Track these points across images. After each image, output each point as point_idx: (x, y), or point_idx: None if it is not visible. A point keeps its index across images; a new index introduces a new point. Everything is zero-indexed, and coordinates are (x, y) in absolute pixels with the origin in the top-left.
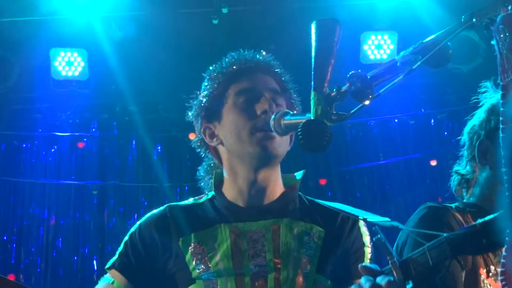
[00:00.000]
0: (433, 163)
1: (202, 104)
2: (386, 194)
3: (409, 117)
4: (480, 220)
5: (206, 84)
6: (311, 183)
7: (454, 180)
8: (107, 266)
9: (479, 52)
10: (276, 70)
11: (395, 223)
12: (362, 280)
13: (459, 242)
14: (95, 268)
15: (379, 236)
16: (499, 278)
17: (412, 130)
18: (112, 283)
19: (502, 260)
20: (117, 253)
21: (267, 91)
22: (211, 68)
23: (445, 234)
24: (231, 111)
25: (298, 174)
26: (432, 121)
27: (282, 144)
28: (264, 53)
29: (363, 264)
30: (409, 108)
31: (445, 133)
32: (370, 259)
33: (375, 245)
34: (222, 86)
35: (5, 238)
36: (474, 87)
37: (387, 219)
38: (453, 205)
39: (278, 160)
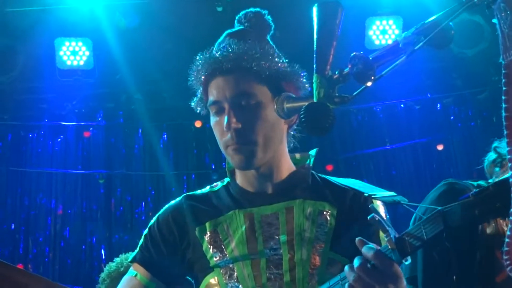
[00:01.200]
0: (440, 147)
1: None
2: (393, 179)
3: (415, 102)
4: (474, 191)
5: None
6: (317, 169)
7: (490, 156)
8: (129, 260)
9: (484, 35)
10: (255, 65)
11: (399, 198)
12: (355, 260)
13: (453, 215)
14: (103, 257)
15: (373, 214)
16: (504, 257)
17: (418, 115)
18: (136, 276)
19: (507, 240)
20: (138, 246)
21: (229, 100)
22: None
23: (439, 208)
24: (211, 118)
25: (312, 152)
26: (438, 105)
27: (256, 151)
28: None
29: (359, 238)
30: (414, 93)
31: (451, 117)
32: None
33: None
34: (202, 89)
35: (13, 228)
36: (480, 71)
37: (393, 193)
38: (475, 183)
39: (261, 163)
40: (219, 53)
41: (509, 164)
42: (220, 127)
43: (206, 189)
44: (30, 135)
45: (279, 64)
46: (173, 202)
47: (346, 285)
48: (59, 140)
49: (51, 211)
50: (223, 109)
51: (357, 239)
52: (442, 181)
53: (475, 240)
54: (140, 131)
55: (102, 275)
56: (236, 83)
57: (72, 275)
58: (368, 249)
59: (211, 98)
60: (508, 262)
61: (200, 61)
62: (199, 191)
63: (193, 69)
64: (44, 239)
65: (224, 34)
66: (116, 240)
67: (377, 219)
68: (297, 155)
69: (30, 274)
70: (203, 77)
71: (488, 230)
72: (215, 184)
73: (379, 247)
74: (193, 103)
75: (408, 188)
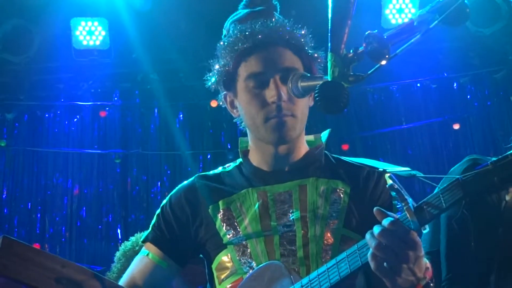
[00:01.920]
0: (456, 126)
1: (218, 74)
2: (409, 158)
3: (431, 81)
4: (493, 158)
5: (220, 54)
6: (333, 149)
7: None
8: (142, 240)
9: (502, 14)
10: (288, 38)
11: (414, 172)
12: (375, 227)
13: (471, 183)
14: (119, 236)
15: (392, 183)
16: None
17: (435, 94)
18: (148, 255)
19: None
20: (151, 225)
21: (277, 73)
22: (229, 23)
23: (458, 177)
24: (244, 92)
25: (324, 135)
26: (455, 84)
27: (296, 125)
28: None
29: (377, 207)
30: (431, 72)
31: (468, 96)
32: (399, 211)
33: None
34: (234, 63)
35: (29, 208)
36: (497, 50)
37: (407, 168)
38: None
39: (294, 138)
40: (257, 26)
41: None
42: (260, 99)
43: (219, 169)
44: (47, 115)
45: (306, 38)
46: (185, 182)
47: (370, 251)
48: (75, 120)
49: (68, 191)
50: (267, 81)
51: (375, 209)
52: (466, 157)
53: (497, 214)
54: (156, 110)
55: (118, 254)
56: (283, 57)
57: (89, 254)
58: (387, 218)
59: (252, 70)
60: None
61: (236, 35)
62: (211, 172)
63: (225, 42)
64: (60, 219)
65: (233, 17)
66: (132, 219)
67: (395, 187)
68: (310, 137)
69: (47, 254)
70: (240, 50)
71: (508, 197)
72: (227, 165)
73: (397, 216)
74: (209, 82)
75: (424, 167)
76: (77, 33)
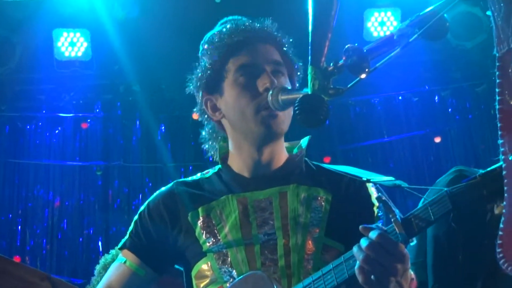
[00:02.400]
0: (437, 140)
1: (201, 76)
2: (390, 171)
3: (413, 94)
4: (480, 171)
5: (204, 54)
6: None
7: None
8: (119, 247)
9: (483, 28)
10: (276, 38)
11: (399, 182)
12: (362, 240)
13: (460, 196)
14: (100, 249)
15: (380, 194)
16: (497, 250)
17: (416, 107)
18: (125, 262)
19: (500, 233)
20: (128, 232)
21: (268, 65)
22: (208, 36)
23: (446, 189)
24: (233, 87)
25: (304, 141)
26: (436, 97)
27: (285, 120)
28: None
29: (363, 225)
30: (413, 85)
31: (449, 109)
32: (380, 219)
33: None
34: (221, 59)
35: (10, 220)
36: (478, 63)
37: (391, 178)
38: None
39: (282, 136)
40: (245, 24)
41: (501, 157)
42: (252, 90)
43: (197, 176)
44: (28, 127)
45: (291, 45)
46: (163, 188)
47: (357, 264)
48: (56, 131)
49: (49, 203)
50: (259, 72)
51: (360, 226)
52: (452, 168)
53: (484, 227)
54: (138, 122)
55: (98, 267)
56: (274, 51)
57: (69, 267)
58: (374, 231)
59: (243, 62)
60: (501, 255)
61: (224, 32)
62: (190, 178)
63: (213, 40)
64: (41, 231)
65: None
66: (113, 232)
67: (383, 198)
68: (288, 144)
69: (28, 268)
70: (229, 45)
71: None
72: (205, 171)
73: (385, 228)
74: (190, 87)
75: (405, 180)
76: (59, 44)
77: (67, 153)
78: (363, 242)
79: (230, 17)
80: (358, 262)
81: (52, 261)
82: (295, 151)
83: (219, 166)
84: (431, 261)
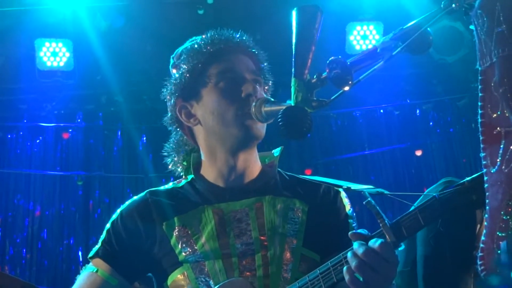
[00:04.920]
0: (418, 153)
1: (179, 82)
2: (372, 184)
3: (394, 108)
4: (468, 178)
5: (182, 61)
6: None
7: None
8: (90, 256)
9: (464, 42)
10: (253, 50)
11: (381, 190)
12: (355, 246)
13: (449, 201)
14: (80, 259)
15: (369, 199)
16: (478, 262)
17: (398, 120)
18: (96, 271)
19: (481, 245)
20: (100, 241)
21: (248, 73)
22: (188, 44)
23: (435, 194)
24: (213, 92)
25: (276, 151)
26: (418, 111)
27: (264, 127)
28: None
29: (353, 231)
30: (394, 98)
31: (430, 123)
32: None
33: (361, 207)
34: (202, 65)
35: None
36: (459, 77)
37: (371, 186)
38: None
39: (258, 142)
40: (233, 35)
41: (483, 170)
42: (233, 94)
43: (169, 185)
44: (9, 136)
45: (265, 61)
46: (136, 197)
47: (344, 268)
48: (38, 141)
49: (29, 212)
50: (241, 79)
51: (350, 233)
52: (442, 179)
53: (472, 237)
54: (119, 133)
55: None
56: (254, 62)
57: (49, 276)
58: (374, 239)
59: (227, 67)
60: (482, 268)
61: (209, 37)
62: (162, 188)
63: (195, 46)
64: (21, 240)
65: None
66: (93, 242)
67: (373, 204)
68: (260, 154)
69: (6, 276)
70: (211, 52)
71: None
72: (177, 181)
73: (370, 234)
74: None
75: None
76: (41, 54)
77: (48, 162)
78: (360, 249)
79: (199, 37)
80: (345, 267)
81: (32, 271)
82: (266, 161)
83: (192, 176)
84: (421, 266)
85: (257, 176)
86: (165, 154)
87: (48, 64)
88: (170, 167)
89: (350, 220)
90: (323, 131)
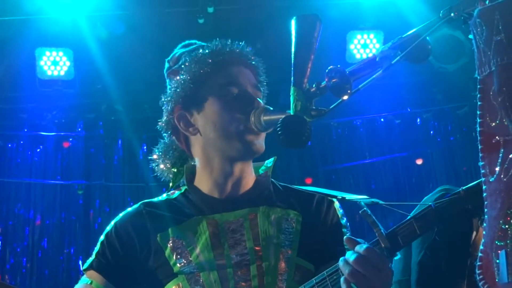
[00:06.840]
0: (419, 162)
1: (180, 89)
2: (372, 193)
3: (395, 116)
4: (464, 187)
5: (182, 67)
6: (297, 182)
7: None
8: (84, 267)
9: (465, 51)
10: (255, 65)
11: (376, 200)
12: (348, 254)
13: (445, 210)
14: (81, 268)
15: (364, 209)
16: (476, 271)
17: (398, 129)
18: (91, 283)
19: (480, 254)
20: (94, 253)
21: (251, 87)
22: (185, 49)
23: (431, 203)
24: (216, 103)
25: (269, 162)
26: (418, 120)
27: (263, 140)
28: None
29: (348, 236)
30: (395, 107)
31: (431, 132)
32: None
33: (361, 218)
34: (204, 75)
35: None
36: (459, 86)
37: (365, 196)
38: None
39: (259, 154)
40: (235, 45)
41: (482, 179)
42: (238, 105)
43: (163, 196)
44: (9, 145)
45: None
46: (130, 209)
47: (342, 279)
48: (38, 150)
49: (29, 222)
50: (245, 93)
51: (345, 237)
52: (439, 187)
53: (468, 245)
54: (120, 142)
55: None
56: (255, 76)
57: (50, 286)
58: (361, 245)
59: (233, 77)
60: (481, 277)
61: (213, 47)
62: (156, 199)
63: (200, 52)
64: (21, 250)
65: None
66: None
67: (368, 213)
68: (254, 164)
69: (6, 285)
70: (217, 61)
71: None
72: (171, 192)
73: (367, 243)
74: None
75: (387, 202)
76: (42, 63)
77: (49, 171)
78: (351, 256)
79: (194, 41)
80: (342, 277)
81: (32, 280)
82: (260, 171)
83: (185, 187)
84: (416, 274)
85: (251, 187)
86: (152, 158)
87: (49, 73)
88: (156, 170)
89: (344, 230)
90: (323, 140)
